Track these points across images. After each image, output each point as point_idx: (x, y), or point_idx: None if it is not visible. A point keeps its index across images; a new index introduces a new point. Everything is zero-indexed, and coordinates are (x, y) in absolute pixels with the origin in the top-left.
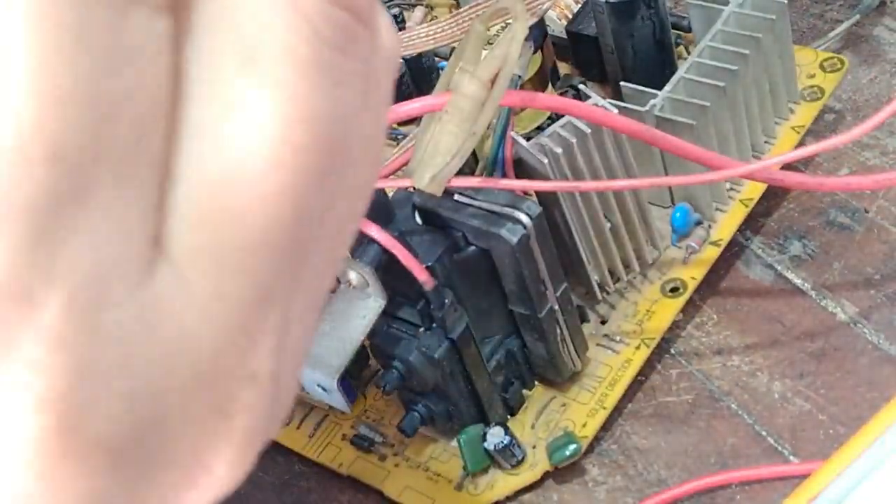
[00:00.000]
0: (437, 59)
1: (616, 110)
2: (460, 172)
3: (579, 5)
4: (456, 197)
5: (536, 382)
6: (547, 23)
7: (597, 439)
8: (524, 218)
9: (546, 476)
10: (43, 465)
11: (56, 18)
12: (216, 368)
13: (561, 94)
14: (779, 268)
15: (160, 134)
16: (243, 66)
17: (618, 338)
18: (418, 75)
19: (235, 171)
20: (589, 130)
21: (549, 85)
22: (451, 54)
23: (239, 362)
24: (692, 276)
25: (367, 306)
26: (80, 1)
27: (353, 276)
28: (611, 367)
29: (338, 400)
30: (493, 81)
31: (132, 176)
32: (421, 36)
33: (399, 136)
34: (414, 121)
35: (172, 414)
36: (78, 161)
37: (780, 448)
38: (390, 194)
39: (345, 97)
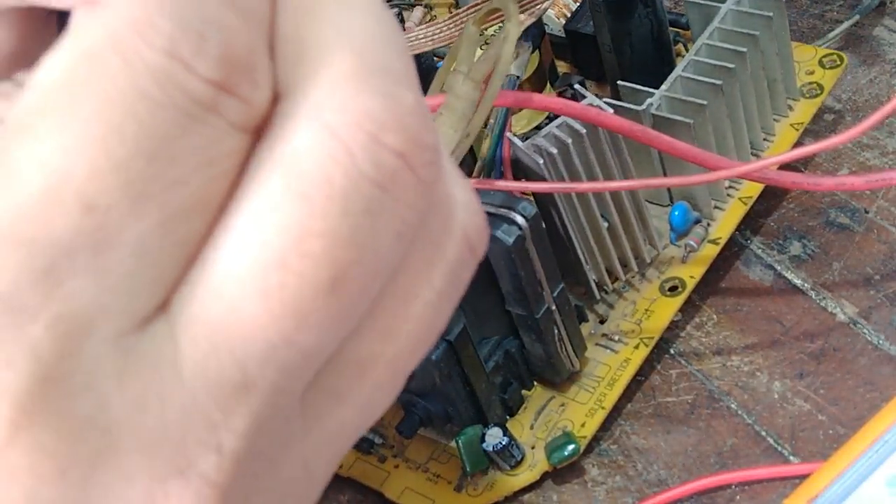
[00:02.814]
0: (435, 59)
1: (611, 110)
2: None
3: (577, 4)
4: None
5: (535, 383)
6: (545, 21)
7: (596, 439)
8: (519, 219)
9: (545, 476)
10: None
11: (127, 106)
12: (182, 430)
13: (560, 93)
14: (779, 268)
15: (200, 222)
16: (284, 182)
17: (616, 337)
18: (417, 76)
19: (248, 269)
20: (585, 130)
21: (548, 84)
22: None
23: (206, 432)
24: (691, 274)
25: None
26: (154, 100)
27: None
28: (609, 366)
29: None
30: (486, 82)
31: (157, 247)
32: (419, 37)
33: None
34: None
35: (128, 455)
36: (106, 220)
37: (779, 448)
38: None
39: (376, 231)
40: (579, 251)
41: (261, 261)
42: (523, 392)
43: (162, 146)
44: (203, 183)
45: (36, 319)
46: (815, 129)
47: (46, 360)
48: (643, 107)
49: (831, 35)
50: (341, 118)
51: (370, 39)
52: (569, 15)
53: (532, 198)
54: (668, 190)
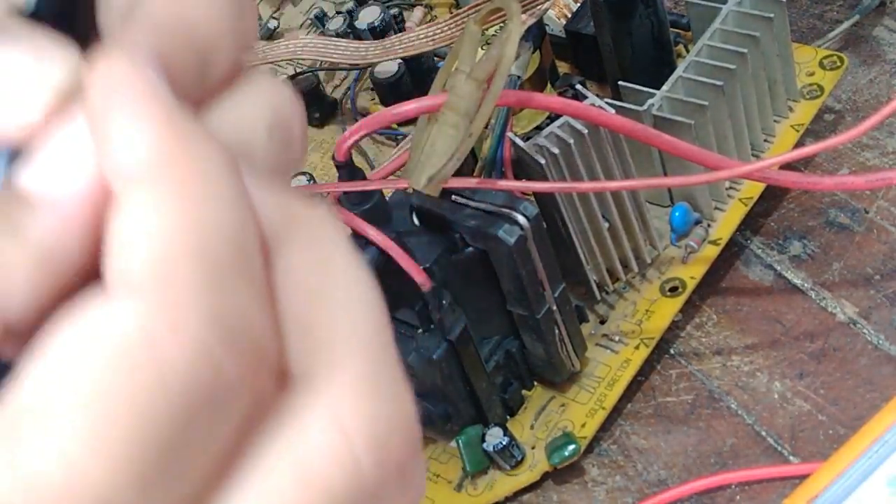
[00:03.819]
0: (436, 59)
1: (612, 110)
2: (459, 173)
3: (578, 4)
4: (453, 198)
5: (535, 383)
6: (546, 22)
7: (596, 439)
8: (521, 219)
9: (545, 476)
10: None
11: (147, 406)
12: None
13: (560, 94)
14: (779, 268)
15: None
16: (292, 470)
17: (617, 338)
18: (418, 76)
19: None
20: (586, 131)
21: (549, 84)
22: None
23: None
24: (691, 275)
25: None
26: (176, 400)
27: None
28: (610, 367)
29: None
30: (489, 82)
31: None
32: (420, 37)
33: (399, 137)
34: (413, 121)
35: None
36: None
37: (779, 448)
38: (388, 196)
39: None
40: (580, 251)
41: None
42: (524, 392)
43: (176, 444)
44: (207, 466)
45: None
46: (816, 129)
47: None
48: (644, 107)
49: (831, 35)
50: (353, 422)
51: (376, 338)
52: (569, 15)
53: (533, 198)
54: (669, 191)
